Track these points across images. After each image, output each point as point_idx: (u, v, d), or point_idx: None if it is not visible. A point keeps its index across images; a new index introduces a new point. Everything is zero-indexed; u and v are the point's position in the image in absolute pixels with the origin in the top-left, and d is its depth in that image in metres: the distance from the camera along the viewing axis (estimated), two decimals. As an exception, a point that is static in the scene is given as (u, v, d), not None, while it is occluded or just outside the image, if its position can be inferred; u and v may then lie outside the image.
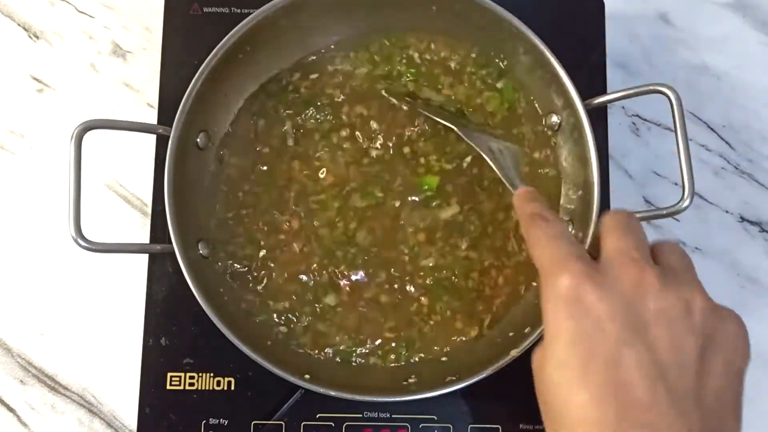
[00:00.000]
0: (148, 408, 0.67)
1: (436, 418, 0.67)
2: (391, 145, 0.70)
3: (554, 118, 0.69)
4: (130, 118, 0.72)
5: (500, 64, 0.71)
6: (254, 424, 0.67)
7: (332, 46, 0.72)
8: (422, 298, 0.68)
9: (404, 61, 0.72)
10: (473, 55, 0.71)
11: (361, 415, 0.67)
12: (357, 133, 0.70)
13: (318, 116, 0.71)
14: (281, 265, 0.68)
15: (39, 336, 0.73)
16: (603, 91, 0.72)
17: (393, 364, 0.67)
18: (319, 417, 0.67)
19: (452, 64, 0.72)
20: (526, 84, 0.70)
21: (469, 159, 0.70)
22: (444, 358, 0.67)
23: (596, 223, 0.62)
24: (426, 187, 0.69)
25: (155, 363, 0.68)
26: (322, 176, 0.70)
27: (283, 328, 0.67)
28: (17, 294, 0.74)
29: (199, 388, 0.67)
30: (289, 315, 0.68)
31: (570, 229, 0.67)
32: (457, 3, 0.67)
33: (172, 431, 0.67)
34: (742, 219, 0.78)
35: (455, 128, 0.68)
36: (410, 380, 0.65)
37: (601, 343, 0.45)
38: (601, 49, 0.74)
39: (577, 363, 0.46)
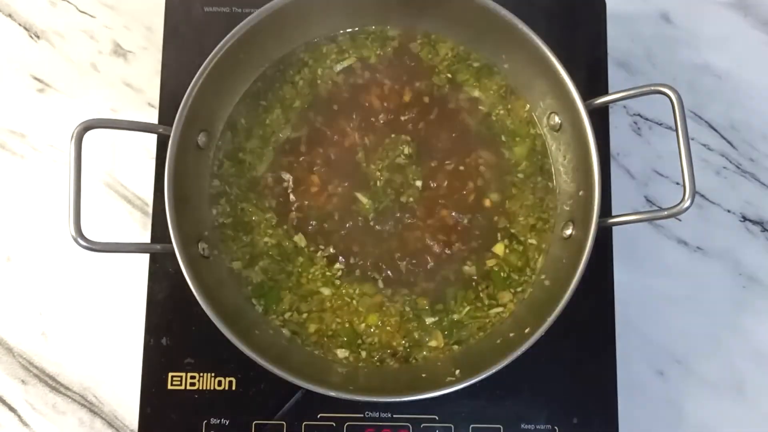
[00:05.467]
0: (149, 408, 0.67)
1: (437, 418, 0.67)
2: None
3: (556, 119, 0.69)
4: (130, 118, 0.72)
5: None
6: (255, 423, 0.67)
7: (331, 41, 0.73)
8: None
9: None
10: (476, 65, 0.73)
11: (362, 416, 0.67)
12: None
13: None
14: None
15: (40, 336, 0.73)
16: (604, 90, 0.72)
17: (395, 365, 0.67)
18: (321, 417, 0.67)
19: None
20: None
21: None
22: (443, 359, 0.67)
23: (597, 223, 0.62)
24: None
25: (156, 363, 0.68)
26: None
27: (285, 331, 0.67)
28: (18, 294, 0.74)
29: (200, 388, 0.67)
30: (288, 313, 0.68)
31: (571, 230, 0.67)
32: (457, 2, 0.67)
33: (173, 431, 0.67)
34: (744, 218, 0.78)
35: None
36: (411, 380, 0.65)
37: None
38: (602, 48, 0.74)
39: None
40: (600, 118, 0.71)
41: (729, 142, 0.80)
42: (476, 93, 0.72)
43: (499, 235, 0.70)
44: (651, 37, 0.81)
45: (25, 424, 0.72)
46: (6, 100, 0.78)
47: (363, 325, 0.68)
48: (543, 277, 0.68)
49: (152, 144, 0.71)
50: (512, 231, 0.70)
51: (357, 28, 0.73)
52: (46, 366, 0.73)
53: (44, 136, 0.77)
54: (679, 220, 0.77)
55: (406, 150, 0.70)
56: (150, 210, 0.70)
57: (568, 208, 0.68)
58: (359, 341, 0.67)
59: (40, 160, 0.77)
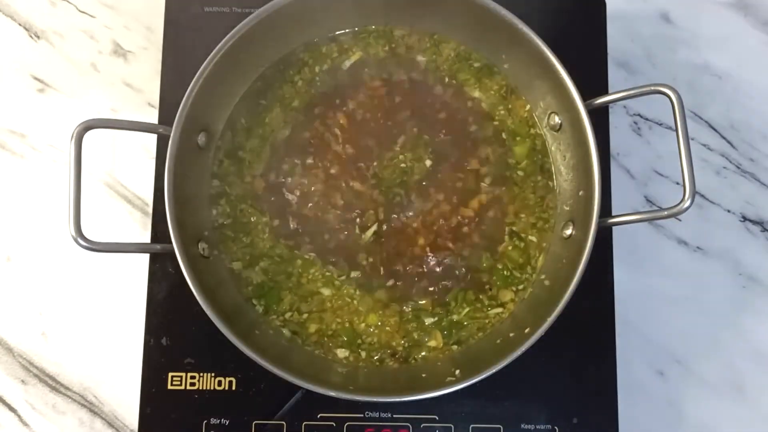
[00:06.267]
0: (149, 408, 0.67)
1: (437, 418, 0.67)
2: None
3: (556, 119, 0.69)
4: (131, 118, 0.72)
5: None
6: (255, 423, 0.67)
7: (331, 41, 0.73)
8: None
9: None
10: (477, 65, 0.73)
11: (362, 415, 0.67)
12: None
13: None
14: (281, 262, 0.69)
15: (40, 336, 0.73)
16: (604, 90, 0.72)
17: (394, 365, 0.67)
18: (321, 417, 0.67)
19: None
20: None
21: None
22: (443, 360, 0.67)
23: (597, 223, 0.62)
24: None
25: (156, 363, 0.68)
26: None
27: (285, 331, 0.67)
28: (18, 294, 0.74)
29: (200, 388, 0.67)
30: (289, 313, 0.68)
31: (571, 230, 0.67)
32: (457, 2, 0.67)
33: (173, 431, 0.67)
34: (744, 218, 0.78)
35: None
36: (411, 380, 0.65)
37: None
38: (602, 48, 0.74)
39: None
40: (600, 118, 0.71)
41: (729, 142, 0.80)
42: (477, 93, 0.72)
43: (499, 233, 0.70)
44: (651, 37, 0.81)
45: (25, 424, 0.72)
46: (6, 100, 0.78)
47: (363, 324, 0.68)
48: (543, 276, 0.68)
49: (152, 144, 0.71)
50: (513, 229, 0.70)
51: (357, 28, 0.73)
52: (46, 366, 0.73)
53: (44, 136, 0.77)
54: (679, 220, 0.77)
55: (407, 149, 0.71)
56: (150, 210, 0.70)
57: (568, 208, 0.68)
58: (359, 341, 0.67)
59: (40, 160, 0.77)
